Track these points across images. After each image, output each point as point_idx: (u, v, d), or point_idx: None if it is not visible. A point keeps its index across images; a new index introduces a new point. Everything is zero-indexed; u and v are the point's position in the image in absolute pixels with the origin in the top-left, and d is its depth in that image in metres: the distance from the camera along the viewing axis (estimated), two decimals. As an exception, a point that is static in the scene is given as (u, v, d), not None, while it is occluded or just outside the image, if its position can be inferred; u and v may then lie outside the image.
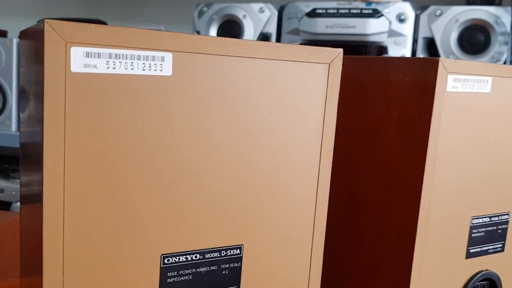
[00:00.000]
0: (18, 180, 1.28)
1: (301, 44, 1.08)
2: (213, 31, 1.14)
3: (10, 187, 1.26)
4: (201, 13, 1.14)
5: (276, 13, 1.11)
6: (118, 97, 0.31)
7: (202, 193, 0.34)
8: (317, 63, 0.37)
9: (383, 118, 0.45)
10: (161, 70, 0.32)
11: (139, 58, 0.31)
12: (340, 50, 0.37)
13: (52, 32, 0.29)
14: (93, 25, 0.30)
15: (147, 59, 0.31)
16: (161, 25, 1.30)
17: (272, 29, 1.10)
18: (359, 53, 1.02)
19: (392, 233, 0.44)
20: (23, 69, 0.41)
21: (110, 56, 0.31)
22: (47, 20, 0.30)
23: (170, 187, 0.33)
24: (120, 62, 0.31)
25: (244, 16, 1.11)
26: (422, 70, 0.42)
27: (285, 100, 0.36)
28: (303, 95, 0.36)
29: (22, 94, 0.42)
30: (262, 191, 0.36)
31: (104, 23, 1.22)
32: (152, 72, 0.32)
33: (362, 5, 1.00)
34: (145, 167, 0.32)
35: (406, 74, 0.43)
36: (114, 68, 0.31)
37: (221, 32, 1.13)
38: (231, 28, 1.12)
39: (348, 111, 0.48)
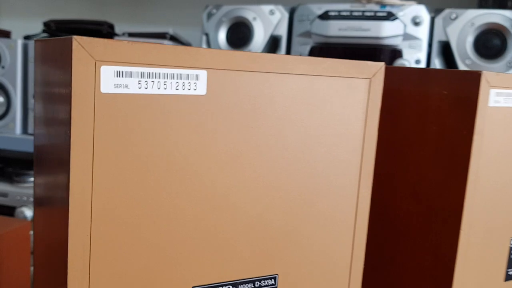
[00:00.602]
0: (23, 185, 1.26)
1: (312, 47, 1.06)
2: (222, 34, 1.12)
3: (14, 192, 1.24)
4: (210, 15, 1.12)
5: (286, 15, 1.09)
6: (149, 119, 0.29)
7: (236, 220, 0.32)
8: (358, 78, 0.34)
9: (419, 133, 0.43)
10: (195, 89, 0.30)
11: (172, 77, 0.29)
12: (382, 64, 0.35)
13: (81, 50, 0.27)
14: (125, 42, 0.28)
15: (180, 78, 0.29)
16: (169, 27, 1.27)
17: (282, 32, 1.08)
18: (373, 56, 1.00)
19: (428, 255, 0.42)
20: (39, 71, 0.39)
21: (142, 75, 0.28)
22: (75, 37, 0.27)
23: (202, 213, 0.31)
24: (153, 81, 0.29)
25: (254, 18, 1.08)
26: (463, 83, 0.39)
27: (324, 117, 0.34)
28: (343, 112, 0.34)
29: (38, 95, 0.40)
30: (299, 216, 0.34)
31: (112, 26, 1.20)
32: (185, 92, 0.29)
33: (376, 7, 0.98)
34: (177, 192, 0.30)
35: (444, 87, 0.41)
36: (146, 88, 0.29)
37: (230, 35, 1.11)
38: (240, 30, 1.09)
39: (380, 125, 0.46)
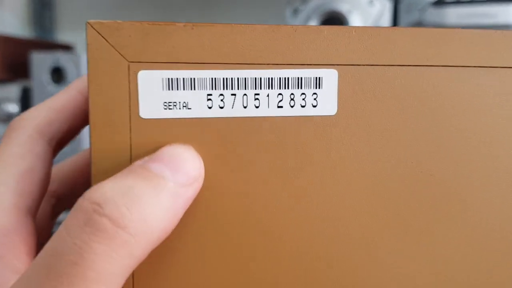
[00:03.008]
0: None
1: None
2: (312, 32, 0.98)
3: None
4: (296, 12, 0.98)
5: (388, 6, 0.92)
6: (227, 161, 0.16)
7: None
8: None
9: None
10: (314, 106, 0.16)
11: (270, 85, 0.16)
12: None
13: (100, 42, 0.15)
14: (180, 25, 0.15)
15: (285, 86, 0.16)
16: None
17: (384, 25, 0.92)
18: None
19: None
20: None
21: (214, 84, 0.15)
22: (92, 21, 0.15)
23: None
24: (234, 94, 0.15)
25: (350, 11, 0.93)
26: None
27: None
28: None
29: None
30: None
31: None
32: (297, 111, 0.16)
33: (504, -13, 0.79)
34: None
35: None
36: (222, 108, 0.15)
37: (322, 32, 0.97)
38: (334, 26, 0.94)
39: None
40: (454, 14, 0.82)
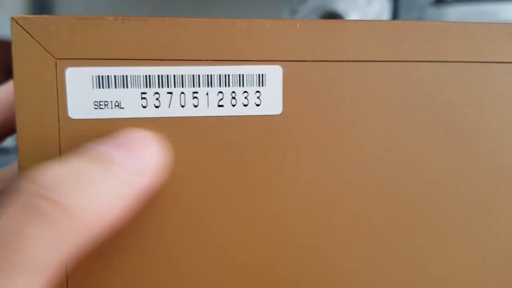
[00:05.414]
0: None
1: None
2: (310, 33, 0.97)
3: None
4: (293, 12, 0.97)
5: (386, 6, 0.91)
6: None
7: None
8: None
9: None
10: (258, 105, 0.15)
11: (209, 83, 0.15)
12: None
13: (25, 38, 0.14)
14: (110, 19, 0.14)
15: (226, 83, 0.15)
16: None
17: (383, 25, 0.91)
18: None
19: None
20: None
21: (149, 81, 0.14)
22: (16, 17, 0.14)
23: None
24: (171, 93, 0.14)
25: (347, 11, 0.92)
26: None
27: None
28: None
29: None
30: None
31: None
32: (239, 110, 0.15)
33: (504, -15, 0.77)
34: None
35: None
36: (157, 107, 0.14)
37: (321, 33, 0.96)
38: (332, 27, 0.93)
39: None
40: (454, 13, 0.81)
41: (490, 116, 0.16)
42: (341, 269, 0.16)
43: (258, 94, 0.15)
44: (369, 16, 0.92)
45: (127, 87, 0.14)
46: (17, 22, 0.14)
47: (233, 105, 0.15)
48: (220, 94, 0.15)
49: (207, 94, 0.15)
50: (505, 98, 0.16)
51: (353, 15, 0.93)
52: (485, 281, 0.16)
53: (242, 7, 1.18)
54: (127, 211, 0.13)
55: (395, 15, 0.92)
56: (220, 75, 0.15)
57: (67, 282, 0.15)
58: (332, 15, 0.96)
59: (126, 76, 0.14)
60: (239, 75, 0.15)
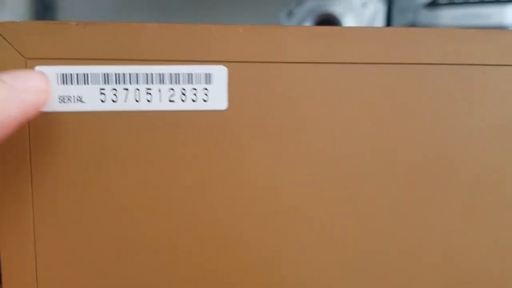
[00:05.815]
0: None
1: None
2: (307, 34, 0.98)
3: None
4: (290, 14, 0.98)
5: (381, 8, 0.93)
6: (120, 153, 0.17)
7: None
8: None
9: None
10: (205, 101, 0.17)
11: (161, 80, 0.17)
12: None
13: (0, 41, 0.16)
14: (73, 24, 0.16)
15: (176, 81, 0.17)
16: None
17: (378, 26, 0.92)
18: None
19: None
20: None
21: (107, 78, 0.16)
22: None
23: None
24: (127, 89, 0.16)
25: (343, 13, 0.93)
26: None
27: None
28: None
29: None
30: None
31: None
32: (188, 105, 0.17)
33: (495, -12, 0.79)
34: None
35: None
36: (115, 102, 0.16)
37: (317, 35, 0.97)
38: (328, 29, 0.95)
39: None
40: (447, 15, 0.82)
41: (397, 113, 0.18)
42: (255, 265, 0.18)
43: (205, 91, 0.17)
44: (364, 18, 0.94)
45: (88, 83, 0.16)
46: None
47: (183, 101, 0.17)
48: (171, 91, 0.17)
49: (159, 90, 0.16)
50: (483, 100, 0.18)
51: (348, 17, 0.95)
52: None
53: (242, 8, 1.20)
54: (10, 122, 0.14)
55: (389, 17, 0.93)
56: (171, 73, 0.16)
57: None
58: (328, 17, 0.98)
59: (87, 74, 0.16)
60: (188, 73, 0.17)
